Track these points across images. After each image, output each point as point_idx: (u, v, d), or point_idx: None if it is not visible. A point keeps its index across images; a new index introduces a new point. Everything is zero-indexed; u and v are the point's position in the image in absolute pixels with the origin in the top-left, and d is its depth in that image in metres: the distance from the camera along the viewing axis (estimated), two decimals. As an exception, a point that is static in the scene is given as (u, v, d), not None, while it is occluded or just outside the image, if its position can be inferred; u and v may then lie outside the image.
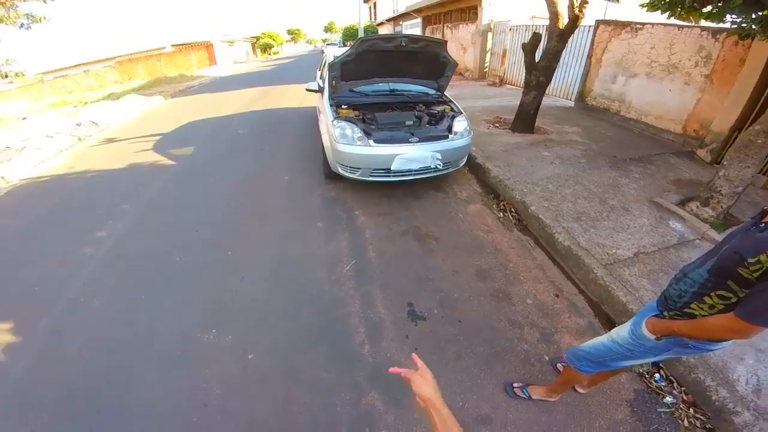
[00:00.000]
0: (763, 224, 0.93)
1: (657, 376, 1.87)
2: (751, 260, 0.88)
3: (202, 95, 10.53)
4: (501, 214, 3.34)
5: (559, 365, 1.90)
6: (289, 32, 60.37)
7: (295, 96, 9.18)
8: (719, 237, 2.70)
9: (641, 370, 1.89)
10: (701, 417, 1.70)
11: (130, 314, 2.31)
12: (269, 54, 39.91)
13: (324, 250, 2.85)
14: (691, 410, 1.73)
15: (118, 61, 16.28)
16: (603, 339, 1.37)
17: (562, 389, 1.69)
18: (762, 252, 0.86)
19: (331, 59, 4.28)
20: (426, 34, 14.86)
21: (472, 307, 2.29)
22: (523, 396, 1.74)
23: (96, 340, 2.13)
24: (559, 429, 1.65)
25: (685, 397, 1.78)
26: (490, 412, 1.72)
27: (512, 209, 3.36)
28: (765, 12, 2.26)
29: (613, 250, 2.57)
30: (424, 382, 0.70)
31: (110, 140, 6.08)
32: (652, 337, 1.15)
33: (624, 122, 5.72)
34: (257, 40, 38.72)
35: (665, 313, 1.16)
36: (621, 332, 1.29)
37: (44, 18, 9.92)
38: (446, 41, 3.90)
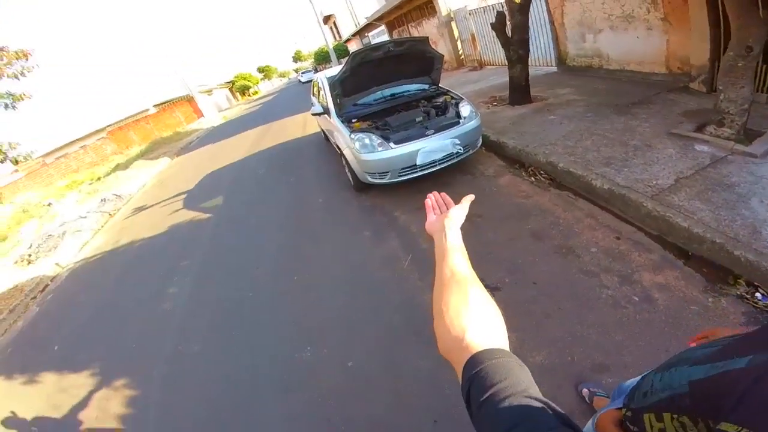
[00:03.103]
0: None
1: (758, 295, 1.80)
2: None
3: (205, 147, 10.95)
4: (532, 179, 3.47)
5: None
6: (260, 70, 61.95)
7: (295, 126, 9.50)
8: (746, 149, 2.77)
9: (739, 293, 1.84)
10: None
11: (228, 352, 2.49)
12: (249, 95, 40.96)
13: (379, 253, 3.01)
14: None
15: (109, 131, 16.89)
16: None
17: None
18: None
19: (325, 81, 4.51)
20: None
21: (541, 268, 2.36)
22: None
23: (207, 381, 2.31)
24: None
25: None
26: (604, 359, 1.70)
27: (541, 171, 3.49)
28: None
29: (654, 182, 2.67)
30: (436, 221, 0.71)
31: (140, 209, 6.41)
32: None
33: (610, 74, 5.76)
34: (233, 84, 39.88)
35: (624, 410, 0.79)
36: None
37: (25, 95, 9.91)
38: (428, 37, 4.11)
